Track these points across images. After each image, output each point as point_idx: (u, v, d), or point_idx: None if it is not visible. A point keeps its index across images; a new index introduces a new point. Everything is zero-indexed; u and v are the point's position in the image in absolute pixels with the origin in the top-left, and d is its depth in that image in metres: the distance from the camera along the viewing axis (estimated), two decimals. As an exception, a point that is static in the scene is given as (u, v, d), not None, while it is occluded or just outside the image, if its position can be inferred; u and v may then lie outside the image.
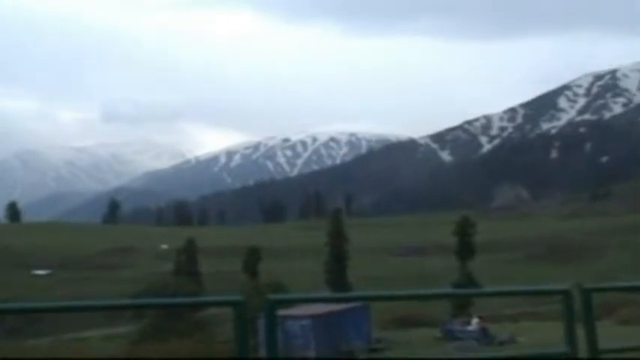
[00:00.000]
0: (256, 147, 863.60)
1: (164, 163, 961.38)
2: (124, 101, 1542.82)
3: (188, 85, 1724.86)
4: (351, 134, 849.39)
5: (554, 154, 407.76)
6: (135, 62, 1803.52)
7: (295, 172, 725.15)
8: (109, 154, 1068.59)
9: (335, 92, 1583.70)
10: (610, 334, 8.47)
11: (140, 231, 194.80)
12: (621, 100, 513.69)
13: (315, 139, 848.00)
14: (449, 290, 56.73)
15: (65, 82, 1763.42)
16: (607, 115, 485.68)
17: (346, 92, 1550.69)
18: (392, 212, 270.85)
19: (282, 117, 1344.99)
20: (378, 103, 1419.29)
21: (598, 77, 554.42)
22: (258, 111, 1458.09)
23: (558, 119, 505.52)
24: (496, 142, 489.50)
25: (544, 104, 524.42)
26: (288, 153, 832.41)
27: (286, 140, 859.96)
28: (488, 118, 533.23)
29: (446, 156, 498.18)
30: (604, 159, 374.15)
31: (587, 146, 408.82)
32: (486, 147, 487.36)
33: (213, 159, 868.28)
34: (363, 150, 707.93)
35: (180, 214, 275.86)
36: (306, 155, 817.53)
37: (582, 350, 6.79)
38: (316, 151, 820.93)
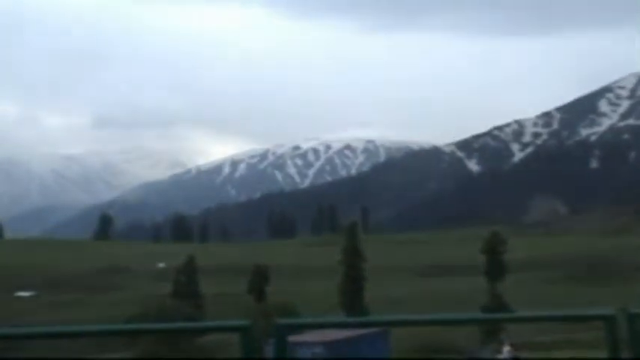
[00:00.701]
0: (263, 155, 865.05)
1: (161, 173, 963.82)
2: (118, 104, 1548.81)
3: (188, 87, 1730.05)
4: (369, 141, 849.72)
5: (594, 163, 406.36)
6: (130, 61, 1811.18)
7: (306, 183, 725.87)
8: (100, 163, 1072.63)
9: (350, 95, 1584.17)
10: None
11: (135, 248, 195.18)
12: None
13: (328, 147, 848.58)
14: (477, 315, 56.49)
15: (51, 83, 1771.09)
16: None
17: (363, 95, 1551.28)
18: (414, 228, 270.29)
19: (292, 122, 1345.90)
20: (398, 106, 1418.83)
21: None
22: (265, 116, 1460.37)
23: (599, 125, 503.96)
24: (529, 150, 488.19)
25: (583, 108, 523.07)
26: (299, 162, 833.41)
27: (296, 148, 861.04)
28: (520, 124, 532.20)
29: (473, 165, 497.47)
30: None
31: (632, 155, 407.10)
32: (518, 155, 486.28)
33: (216, 169, 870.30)
34: (382, 158, 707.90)
35: (179, 229, 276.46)
36: (318, 164, 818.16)
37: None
38: (330, 160, 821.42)
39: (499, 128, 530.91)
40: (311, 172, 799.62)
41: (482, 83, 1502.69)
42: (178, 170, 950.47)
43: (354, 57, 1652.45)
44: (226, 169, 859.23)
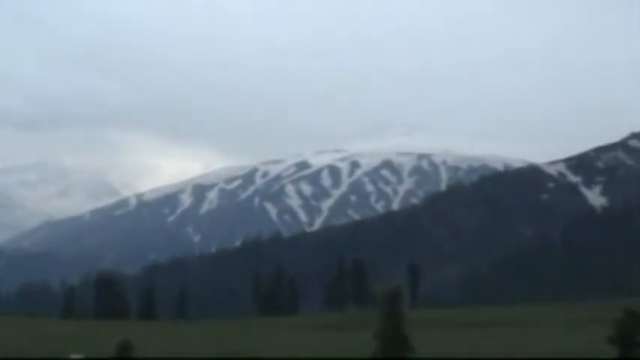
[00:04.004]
0: (248, 177, 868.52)
1: (79, 204, 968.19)
2: (13, 92, 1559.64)
3: (128, 71, 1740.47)
4: (421, 156, 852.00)
5: None
6: (33, 27, 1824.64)
7: (318, 223, 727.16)
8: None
9: (391, 83, 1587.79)
10: None
11: (33, 328, 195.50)
12: None
13: (354, 165, 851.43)
14: None
15: None
16: None
17: (410, 84, 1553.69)
18: (491, 299, 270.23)
19: (294, 125, 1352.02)
20: (468, 100, 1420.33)
21: None
22: (251, 115, 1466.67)
23: None
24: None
25: None
26: (306, 188, 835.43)
27: (302, 165, 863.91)
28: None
29: (595, 197, 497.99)
30: None
31: None
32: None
33: (169, 199, 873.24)
34: (443, 184, 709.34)
35: (107, 297, 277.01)
36: (338, 193, 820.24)
37: None
38: (356, 186, 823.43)
39: (638, 136, 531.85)
40: (325, 206, 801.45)
41: (607, 67, 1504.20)
42: (106, 201, 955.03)
43: (391, 19, 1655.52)
44: (186, 200, 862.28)
